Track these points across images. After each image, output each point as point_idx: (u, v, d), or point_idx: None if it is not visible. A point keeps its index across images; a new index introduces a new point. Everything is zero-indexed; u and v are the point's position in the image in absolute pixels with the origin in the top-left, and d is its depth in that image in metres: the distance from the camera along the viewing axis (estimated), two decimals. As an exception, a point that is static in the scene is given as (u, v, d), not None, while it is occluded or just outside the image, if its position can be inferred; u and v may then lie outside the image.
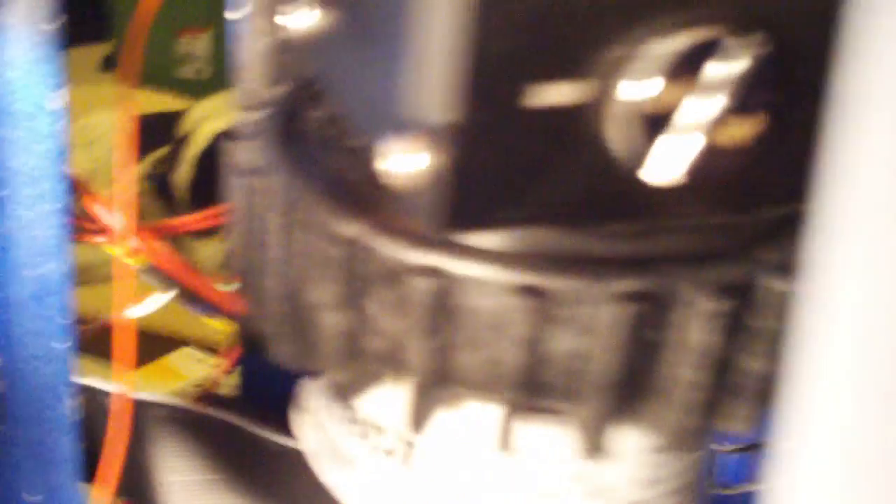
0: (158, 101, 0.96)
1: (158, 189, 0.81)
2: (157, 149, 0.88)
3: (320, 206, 0.24)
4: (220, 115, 0.82)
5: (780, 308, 0.23)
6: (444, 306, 0.22)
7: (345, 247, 0.23)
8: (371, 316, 0.23)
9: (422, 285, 0.22)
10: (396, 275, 0.23)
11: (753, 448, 0.45)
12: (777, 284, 0.23)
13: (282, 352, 0.25)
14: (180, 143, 0.86)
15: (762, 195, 0.23)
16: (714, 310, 0.22)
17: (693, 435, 0.23)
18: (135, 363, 0.40)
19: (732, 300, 0.22)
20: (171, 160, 0.85)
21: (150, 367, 0.57)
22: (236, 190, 0.25)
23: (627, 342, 0.22)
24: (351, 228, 0.23)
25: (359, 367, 0.24)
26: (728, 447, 0.44)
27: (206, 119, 0.86)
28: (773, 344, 0.23)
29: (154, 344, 0.83)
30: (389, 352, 0.23)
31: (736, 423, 0.24)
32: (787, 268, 0.23)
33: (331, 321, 0.23)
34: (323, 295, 0.23)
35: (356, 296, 0.23)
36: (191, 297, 0.37)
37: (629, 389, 0.23)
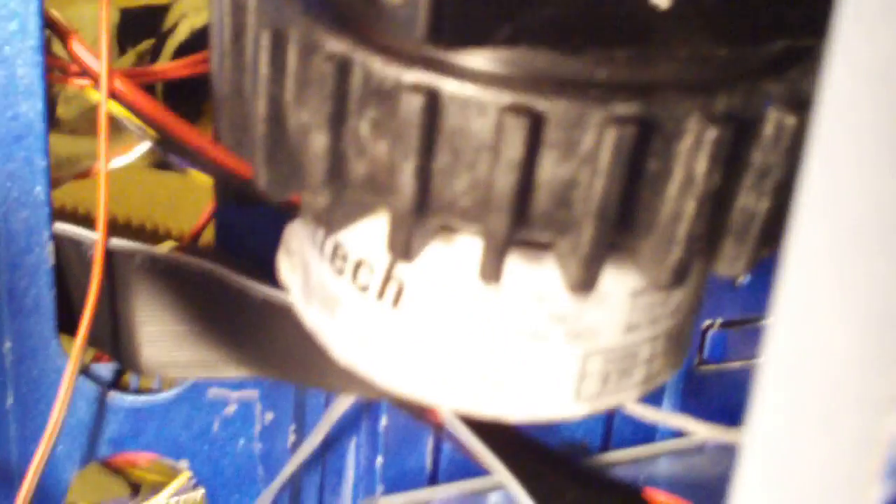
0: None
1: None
2: (140, 42, 0.87)
3: (311, 22, 0.23)
4: (203, 11, 0.81)
5: (787, 144, 0.22)
6: (434, 125, 0.22)
7: (335, 64, 0.22)
8: (359, 137, 0.22)
9: (412, 103, 0.21)
10: (387, 93, 0.22)
11: (740, 324, 0.45)
12: (785, 118, 0.22)
13: (265, 179, 0.24)
14: (164, 36, 0.85)
15: (771, 25, 0.23)
16: (717, 139, 0.21)
17: (686, 273, 0.23)
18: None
19: (736, 131, 0.22)
20: (153, 54, 0.84)
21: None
22: (224, 8, 0.24)
23: (625, 170, 0.21)
24: (342, 45, 0.22)
25: (344, 192, 0.23)
26: (717, 322, 0.44)
27: (189, 14, 0.85)
28: (778, 183, 0.22)
29: (140, 239, 0.83)
30: (376, 175, 0.23)
31: (732, 265, 0.23)
32: (795, 102, 0.22)
33: (318, 142, 0.23)
34: (311, 115, 0.23)
35: (345, 116, 0.22)
36: (173, 145, 0.36)
37: (623, 222, 0.22)
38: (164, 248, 0.38)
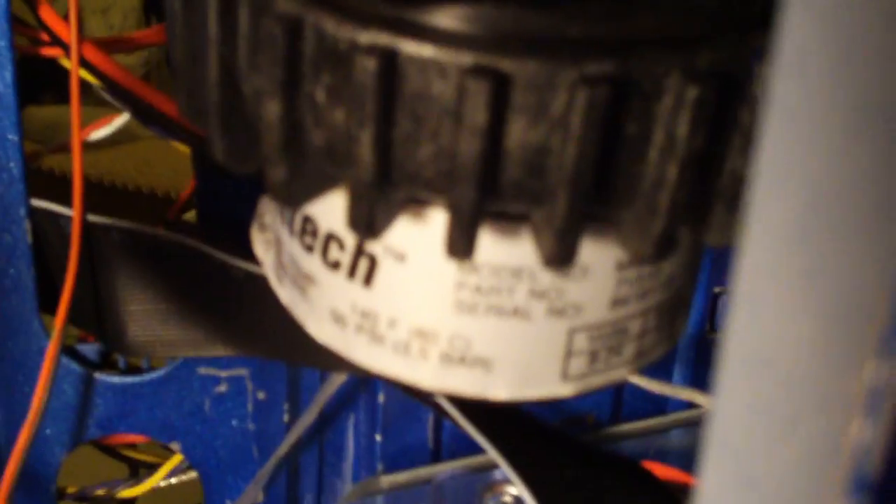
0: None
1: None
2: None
3: (261, -18, 0.21)
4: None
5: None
6: (392, 90, 0.20)
7: (287, 25, 0.20)
8: (315, 103, 0.21)
9: (369, 66, 0.20)
10: (342, 55, 0.20)
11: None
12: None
13: (221, 150, 0.22)
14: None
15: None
16: (699, 98, 0.20)
17: (671, 244, 0.21)
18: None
19: (721, 89, 0.20)
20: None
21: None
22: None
23: (599, 134, 0.20)
24: (292, 4, 0.21)
25: (302, 164, 0.22)
26: (728, 287, 0.42)
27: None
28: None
29: (162, 207, 0.82)
30: (334, 145, 0.21)
31: (722, 234, 0.22)
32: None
33: (271, 110, 0.21)
34: (264, 81, 0.21)
35: (299, 81, 0.21)
36: (151, 115, 0.34)
37: (601, 190, 0.21)
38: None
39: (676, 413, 0.43)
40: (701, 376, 0.43)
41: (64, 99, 0.36)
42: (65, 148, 0.36)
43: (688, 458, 0.42)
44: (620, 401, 0.43)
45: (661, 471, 0.39)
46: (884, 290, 0.09)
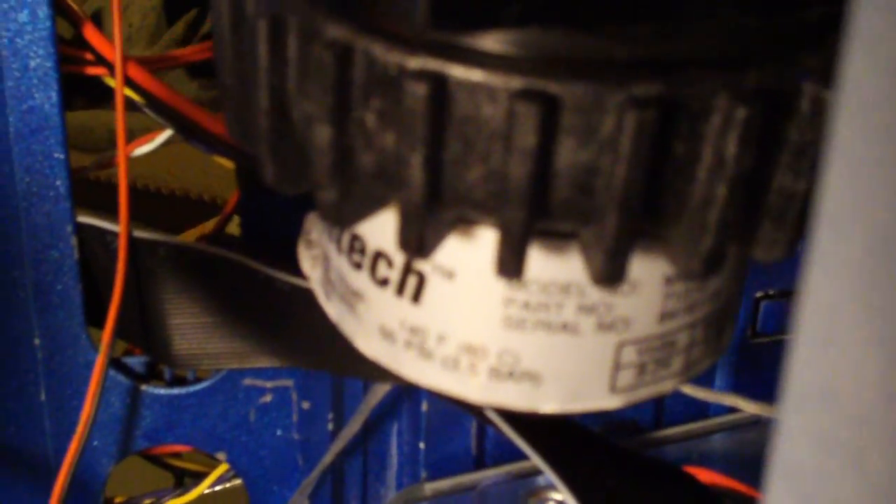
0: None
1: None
2: (187, 12, 0.86)
3: (311, 8, 0.21)
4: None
5: (825, 120, 0.20)
6: (442, 114, 0.20)
7: (337, 52, 0.21)
8: (366, 128, 0.21)
9: (419, 91, 0.20)
10: (392, 81, 0.20)
11: (795, 294, 0.43)
12: (822, 92, 0.20)
13: (272, 173, 0.23)
14: (206, 3, 0.84)
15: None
16: (747, 118, 0.20)
17: (720, 261, 0.21)
18: (175, 229, 0.38)
19: (770, 108, 0.20)
20: (196, 22, 0.84)
21: (192, 234, 0.55)
22: (222, -5, 0.23)
23: (648, 155, 0.20)
24: (342, 31, 0.21)
25: (352, 186, 0.22)
26: (770, 292, 0.42)
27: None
28: (816, 160, 0.21)
29: (196, 209, 0.83)
30: (385, 167, 0.21)
31: (770, 250, 0.22)
32: (833, 74, 0.20)
33: (322, 134, 0.21)
34: (314, 106, 0.21)
35: (349, 106, 0.21)
36: (194, 131, 0.35)
37: (650, 209, 0.21)
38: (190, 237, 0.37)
39: (719, 417, 0.43)
40: (743, 381, 0.43)
41: (95, 103, 0.36)
42: (109, 164, 0.37)
43: (730, 463, 0.42)
44: (662, 405, 0.44)
45: (704, 475, 0.40)
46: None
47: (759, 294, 0.42)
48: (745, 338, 0.43)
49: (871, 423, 0.10)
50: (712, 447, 0.43)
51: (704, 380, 0.42)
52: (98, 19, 0.74)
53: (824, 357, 0.11)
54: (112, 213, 0.35)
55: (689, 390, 0.33)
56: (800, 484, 0.11)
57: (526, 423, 0.32)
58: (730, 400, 0.38)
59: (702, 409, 0.44)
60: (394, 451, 0.41)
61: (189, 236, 0.43)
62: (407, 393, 0.40)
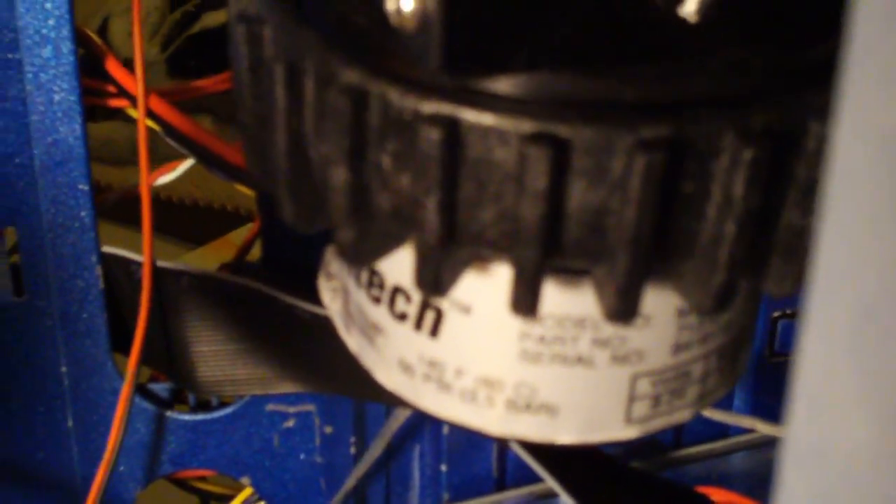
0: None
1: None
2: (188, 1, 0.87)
3: (326, 53, 0.22)
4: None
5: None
6: (455, 157, 0.21)
7: (353, 96, 0.21)
8: (381, 169, 0.21)
9: (431, 135, 0.20)
10: (406, 124, 0.21)
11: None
12: (828, 131, 0.20)
13: (290, 212, 0.23)
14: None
15: (809, 31, 0.21)
16: (755, 158, 0.20)
17: (730, 296, 0.22)
18: (199, 239, 0.39)
19: (777, 147, 0.20)
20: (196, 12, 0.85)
21: (216, 244, 0.56)
22: (239, 39, 0.24)
23: (658, 195, 0.20)
24: (357, 76, 0.21)
25: (369, 226, 0.22)
26: (788, 311, 0.42)
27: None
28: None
29: (219, 220, 0.83)
30: (400, 208, 0.22)
31: (781, 284, 0.22)
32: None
33: (338, 176, 0.22)
34: (331, 149, 0.22)
35: (365, 149, 0.21)
36: (214, 161, 0.35)
37: (661, 247, 0.21)
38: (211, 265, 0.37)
39: (738, 437, 0.44)
40: (762, 400, 0.43)
41: (116, 114, 0.37)
42: (131, 194, 0.37)
43: (751, 482, 0.43)
44: (682, 425, 0.44)
45: (724, 495, 0.40)
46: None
47: (776, 313, 0.42)
48: (764, 357, 0.43)
49: (864, 485, 0.11)
50: (732, 466, 0.43)
51: (723, 400, 0.43)
52: (105, 26, 0.75)
53: (819, 418, 0.11)
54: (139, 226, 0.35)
55: (708, 413, 0.33)
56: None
57: (544, 448, 0.32)
58: (748, 422, 0.38)
59: (722, 429, 0.44)
60: (416, 473, 0.42)
61: (214, 248, 0.43)
62: (428, 416, 0.40)
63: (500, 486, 0.42)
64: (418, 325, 0.25)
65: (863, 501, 0.11)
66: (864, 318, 0.11)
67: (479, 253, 0.22)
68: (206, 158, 0.36)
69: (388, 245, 0.24)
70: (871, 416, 0.11)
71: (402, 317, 0.25)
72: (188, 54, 0.82)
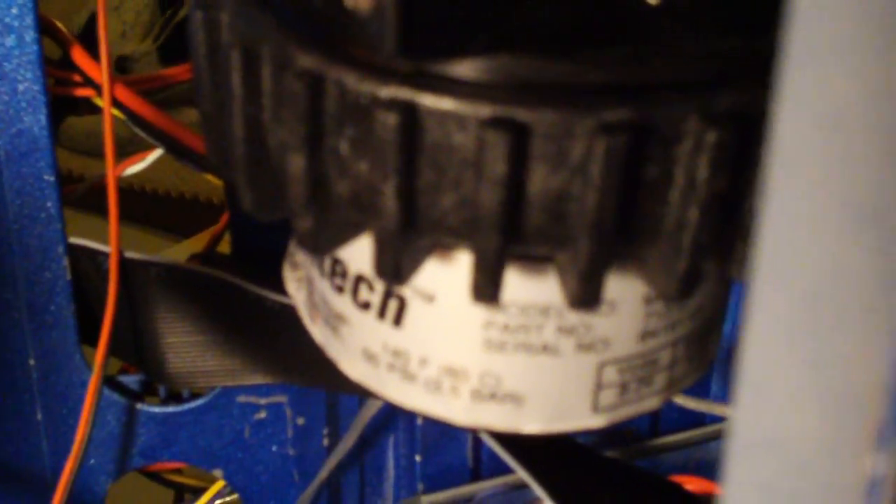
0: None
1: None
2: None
3: (282, 38, 0.21)
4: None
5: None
6: (413, 143, 0.20)
7: (309, 81, 0.21)
8: (339, 156, 0.21)
9: (388, 120, 0.20)
10: (364, 110, 0.20)
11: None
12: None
13: (249, 201, 0.23)
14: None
15: (774, 15, 0.21)
16: (719, 141, 0.20)
17: (696, 282, 0.21)
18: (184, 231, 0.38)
19: (740, 131, 0.20)
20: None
21: (200, 237, 0.56)
22: (197, 25, 0.23)
23: (620, 179, 0.20)
24: (313, 61, 0.21)
25: (328, 214, 0.22)
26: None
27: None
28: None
29: (204, 212, 0.83)
30: (359, 195, 0.21)
31: (744, 268, 0.22)
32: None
33: (296, 163, 0.21)
34: (288, 135, 0.21)
35: (322, 135, 0.21)
36: (184, 151, 0.35)
37: (624, 232, 0.21)
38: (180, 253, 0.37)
39: (715, 425, 0.43)
40: (738, 388, 0.43)
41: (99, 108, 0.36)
42: (98, 185, 0.37)
43: (727, 470, 0.42)
44: (659, 414, 0.44)
45: (702, 484, 0.40)
46: (878, 387, 0.10)
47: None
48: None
49: (810, 473, 0.10)
50: (709, 455, 0.43)
51: (699, 388, 0.42)
52: (92, 23, 0.74)
53: (765, 408, 0.11)
54: (126, 219, 0.35)
55: (682, 401, 0.32)
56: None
57: (513, 438, 0.32)
58: (724, 410, 0.38)
59: (698, 417, 0.44)
60: (390, 464, 0.41)
61: (201, 240, 0.43)
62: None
63: (476, 475, 0.42)
64: (381, 314, 0.24)
65: (808, 490, 0.10)
66: (808, 307, 0.10)
67: (440, 240, 0.22)
68: (175, 148, 0.35)
69: (347, 233, 0.23)
70: (814, 405, 0.10)
71: (365, 306, 0.25)
72: (179, 41, 0.82)
